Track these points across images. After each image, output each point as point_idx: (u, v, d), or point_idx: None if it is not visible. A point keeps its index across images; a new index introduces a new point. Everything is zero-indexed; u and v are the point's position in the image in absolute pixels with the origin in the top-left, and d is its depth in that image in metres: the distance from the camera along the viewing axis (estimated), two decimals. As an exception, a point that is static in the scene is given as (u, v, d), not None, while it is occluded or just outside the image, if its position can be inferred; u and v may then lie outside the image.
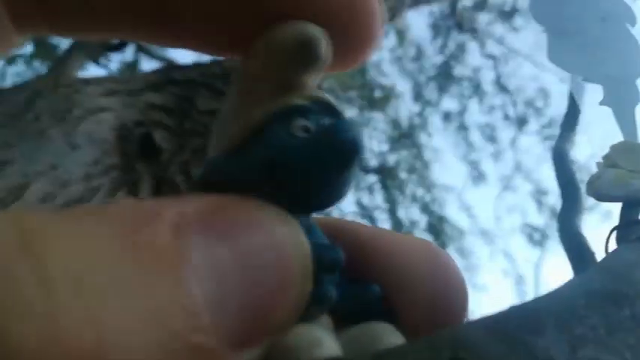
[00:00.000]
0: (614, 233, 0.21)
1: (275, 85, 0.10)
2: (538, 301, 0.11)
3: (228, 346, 0.08)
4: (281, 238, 0.09)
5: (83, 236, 0.07)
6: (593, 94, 0.27)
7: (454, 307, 0.12)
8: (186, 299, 0.07)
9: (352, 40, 0.11)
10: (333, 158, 0.10)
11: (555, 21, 0.26)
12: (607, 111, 0.26)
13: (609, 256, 0.14)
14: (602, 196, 0.23)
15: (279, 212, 0.09)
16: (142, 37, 0.12)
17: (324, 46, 0.10)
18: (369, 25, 0.11)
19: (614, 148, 0.23)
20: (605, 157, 0.23)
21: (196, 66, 0.85)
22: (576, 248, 0.21)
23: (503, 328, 0.10)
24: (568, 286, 0.12)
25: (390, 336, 0.11)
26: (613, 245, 0.21)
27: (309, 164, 0.10)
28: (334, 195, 0.10)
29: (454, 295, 0.12)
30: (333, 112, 0.11)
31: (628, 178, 0.22)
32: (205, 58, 0.82)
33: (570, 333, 0.10)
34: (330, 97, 0.11)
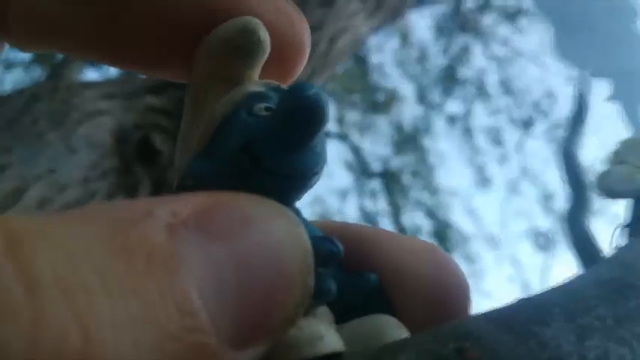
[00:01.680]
0: (622, 229, 0.21)
1: (225, 82, 0.11)
2: (545, 294, 0.11)
3: (229, 345, 0.08)
4: (278, 234, 0.09)
5: (71, 238, 0.07)
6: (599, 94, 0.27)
7: (456, 307, 0.12)
8: (180, 299, 0.07)
9: (283, 56, 0.12)
10: (300, 116, 0.10)
11: (562, 16, 0.26)
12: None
13: (619, 249, 0.14)
14: (612, 193, 0.22)
15: (275, 206, 0.09)
16: (91, 57, 0.12)
17: (262, 32, 0.11)
18: (297, 47, 0.12)
19: (623, 143, 0.23)
20: (615, 154, 0.23)
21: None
22: (584, 246, 0.21)
23: (510, 320, 0.10)
24: (576, 278, 0.12)
25: (394, 329, 0.11)
26: (619, 242, 0.21)
27: (280, 132, 0.10)
28: (314, 158, 0.11)
29: (456, 295, 0.12)
30: (284, 89, 0.11)
31: (637, 174, 0.22)
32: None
33: (578, 323, 0.10)
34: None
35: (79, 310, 0.06)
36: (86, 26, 0.12)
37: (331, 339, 0.10)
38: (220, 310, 0.08)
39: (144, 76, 0.90)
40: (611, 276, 0.12)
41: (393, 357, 0.09)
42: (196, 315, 0.07)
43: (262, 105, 0.10)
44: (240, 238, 0.08)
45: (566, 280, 0.12)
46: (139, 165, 0.72)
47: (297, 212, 0.11)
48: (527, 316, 0.10)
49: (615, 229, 0.22)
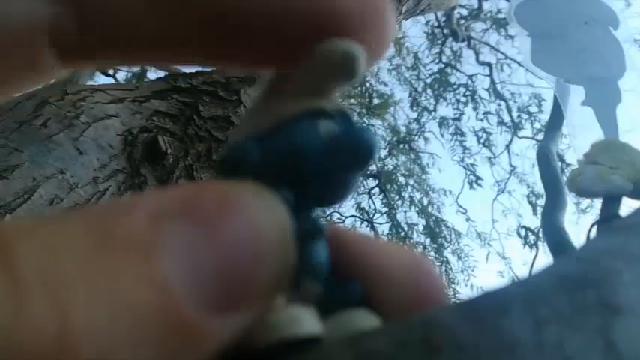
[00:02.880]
0: (595, 227, 0.22)
1: (309, 89, 0.11)
2: (508, 286, 0.11)
3: (207, 314, 0.08)
4: (256, 211, 0.09)
5: (55, 234, 0.07)
6: (579, 96, 0.27)
7: (431, 305, 0.12)
8: (155, 278, 0.07)
9: (368, 44, 0.12)
10: (353, 159, 0.11)
11: (539, 25, 0.27)
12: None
13: (582, 246, 0.14)
14: (583, 192, 0.23)
15: (258, 190, 0.09)
16: (185, 61, 0.12)
17: (362, 64, 0.11)
18: (382, 30, 0.12)
19: (594, 145, 0.24)
20: (586, 155, 0.24)
21: (199, 74, 0.85)
22: (558, 243, 0.21)
23: (473, 311, 0.10)
24: (538, 272, 0.12)
25: (369, 321, 0.11)
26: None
27: (330, 160, 0.10)
28: (343, 192, 0.11)
29: (432, 295, 0.12)
30: (351, 122, 0.12)
31: (608, 174, 0.23)
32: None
33: (536, 313, 0.10)
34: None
35: (58, 299, 0.06)
36: (183, 30, 0.11)
37: (310, 323, 0.10)
38: (196, 283, 0.08)
39: (149, 82, 0.90)
40: (570, 271, 0.12)
41: (365, 342, 0.10)
42: (171, 289, 0.07)
43: (326, 125, 0.11)
44: (220, 221, 0.08)
45: (526, 276, 0.12)
46: (145, 166, 0.73)
47: (317, 222, 0.11)
48: (488, 307, 0.10)
49: (590, 227, 0.22)
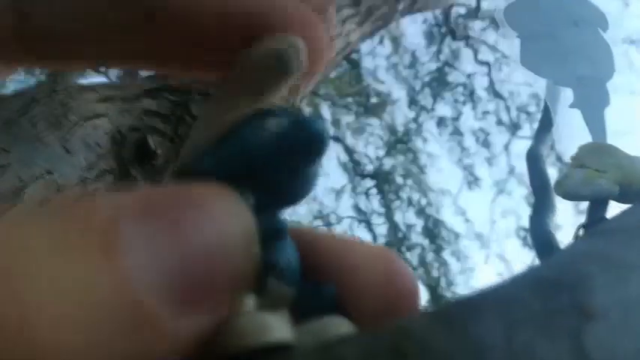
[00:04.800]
0: (582, 231, 0.22)
1: (251, 93, 0.11)
2: (482, 291, 0.11)
3: (170, 312, 0.08)
4: (219, 212, 0.09)
5: (15, 234, 0.07)
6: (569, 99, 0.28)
7: (405, 310, 0.12)
8: (116, 275, 0.07)
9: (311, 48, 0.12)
10: (305, 149, 0.11)
11: (528, 26, 0.27)
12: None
13: (562, 250, 0.15)
14: (570, 195, 0.23)
15: (217, 189, 0.10)
16: (127, 65, 0.13)
17: (301, 58, 0.11)
18: (322, 34, 0.12)
19: (582, 148, 0.24)
20: (574, 158, 0.24)
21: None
22: (544, 247, 0.21)
23: (445, 316, 0.10)
24: (514, 277, 0.12)
25: (343, 328, 0.11)
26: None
27: (283, 157, 0.11)
28: (303, 187, 0.11)
29: (406, 300, 0.12)
30: (299, 115, 0.11)
31: (595, 177, 0.23)
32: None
33: (508, 318, 0.10)
34: (324, 111, 0.12)
35: (18, 295, 0.07)
36: (118, 33, 0.11)
37: (281, 330, 0.10)
38: (158, 281, 0.08)
39: (140, 80, 0.90)
40: (546, 274, 0.12)
41: (336, 350, 0.10)
42: (132, 285, 0.08)
43: (274, 122, 0.11)
44: (183, 220, 0.09)
45: (504, 279, 0.12)
46: (135, 166, 0.73)
47: (280, 222, 0.11)
48: (459, 311, 0.10)
49: (576, 229, 0.23)
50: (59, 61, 0.12)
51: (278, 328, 0.10)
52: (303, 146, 0.11)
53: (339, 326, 0.11)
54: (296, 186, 0.11)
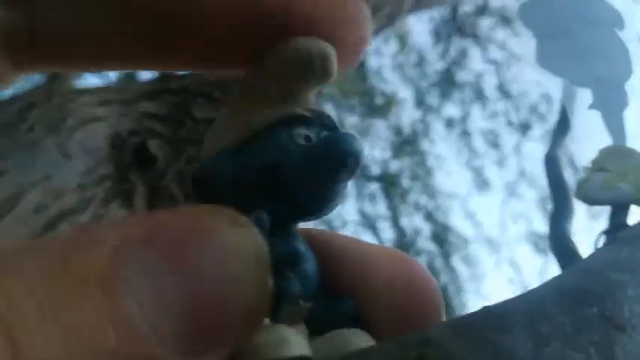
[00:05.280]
0: (603, 237, 0.22)
1: (279, 94, 0.11)
2: (508, 302, 0.11)
3: (181, 355, 0.08)
4: (229, 243, 0.09)
5: (13, 273, 0.07)
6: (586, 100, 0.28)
7: (426, 315, 0.12)
8: (118, 315, 0.07)
9: (341, 47, 0.11)
10: (333, 168, 0.10)
11: (544, 26, 0.27)
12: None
13: (587, 258, 0.15)
14: (590, 200, 0.23)
15: (229, 215, 0.09)
16: (146, 66, 0.12)
17: (334, 63, 0.11)
18: (356, 33, 0.12)
19: (602, 151, 0.24)
20: (594, 161, 0.24)
21: (191, 75, 0.85)
22: (564, 252, 0.21)
23: (470, 327, 0.10)
24: (539, 286, 0.12)
25: (361, 339, 0.11)
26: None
27: (309, 170, 0.10)
28: (328, 203, 0.11)
29: (426, 304, 0.12)
30: (331, 126, 0.11)
31: (616, 181, 0.23)
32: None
33: (537, 331, 0.10)
34: (328, 112, 0.11)
35: (14, 337, 0.07)
36: (126, 34, 0.11)
37: (298, 344, 0.10)
38: (166, 322, 0.08)
39: (139, 83, 0.90)
40: (573, 284, 0.12)
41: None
42: (137, 328, 0.07)
43: (303, 132, 0.11)
44: (188, 252, 0.08)
45: (530, 289, 0.12)
46: (134, 171, 0.73)
47: (294, 245, 0.11)
48: (486, 324, 0.10)
49: (597, 236, 0.23)
50: (74, 63, 0.12)
51: (296, 342, 0.10)
52: (334, 163, 0.10)
53: (358, 338, 0.11)
54: (320, 201, 0.11)
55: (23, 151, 0.62)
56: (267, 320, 0.10)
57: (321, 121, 0.11)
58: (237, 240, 0.09)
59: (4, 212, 0.57)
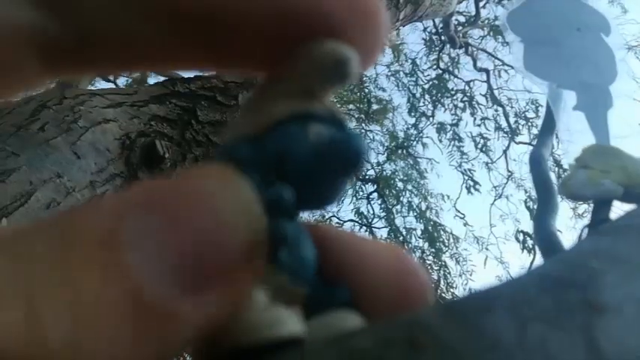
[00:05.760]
0: (586, 230, 0.22)
1: (300, 91, 0.11)
2: (493, 287, 0.11)
3: (174, 293, 0.08)
4: (215, 190, 0.09)
5: (23, 243, 0.07)
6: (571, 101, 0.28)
7: (417, 305, 0.12)
8: (119, 268, 0.07)
9: (359, 50, 0.12)
10: (341, 165, 0.11)
11: (532, 31, 0.27)
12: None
13: (569, 249, 0.14)
14: (574, 196, 0.23)
15: (219, 173, 0.10)
16: (179, 67, 0.12)
17: (355, 67, 0.11)
18: (373, 32, 0.12)
19: (586, 150, 0.24)
20: (578, 159, 0.24)
21: (198, 79, 0.86)
22: (549, 246, 0.21)
23: (458, 310, 0.10)
24: (523, 274, 0.12)
25: (354, 322, 0.11)
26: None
27: (317, 165, 0.11)
28: (330, 197, 0.11)
29: (417, 294, 0.12)
30: (342, 126, 0.12)
31: (599, 178, 0.23)
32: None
33: (520, 313, 0.10)
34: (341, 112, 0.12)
35: (30, 305, 0.07)
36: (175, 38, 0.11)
37: (292, 324, 0.10)
38: (161, 268, 0.08)
39: (148, 86, 0.90)
40: (556, 272, 0.12)
41: (350, 341, 0.10)
42: (135, 275, 0.07)
43: (317, 128, 0.11)
44: (183, 210, 0.08)
45: (514, 277, 0.12)
46: (143, 170, 0.73)
47: (284, 194, 0.11)
48: (472, 306, 0.10)
49: (581, 230, 0.23)
50: (107, 69, 0.12)
51: (290, 322, 0.10)
52: (342, 160, 0.11)
53: (350, 321, 0.11)
54: (325, 193, 0.11)
55: (35, 150, 0.62)
56: (262, 302, 0.10)
57: (334, 120, 0.11)
58: (222, 186, 0.09)
59: (15, 208, 0.57)
